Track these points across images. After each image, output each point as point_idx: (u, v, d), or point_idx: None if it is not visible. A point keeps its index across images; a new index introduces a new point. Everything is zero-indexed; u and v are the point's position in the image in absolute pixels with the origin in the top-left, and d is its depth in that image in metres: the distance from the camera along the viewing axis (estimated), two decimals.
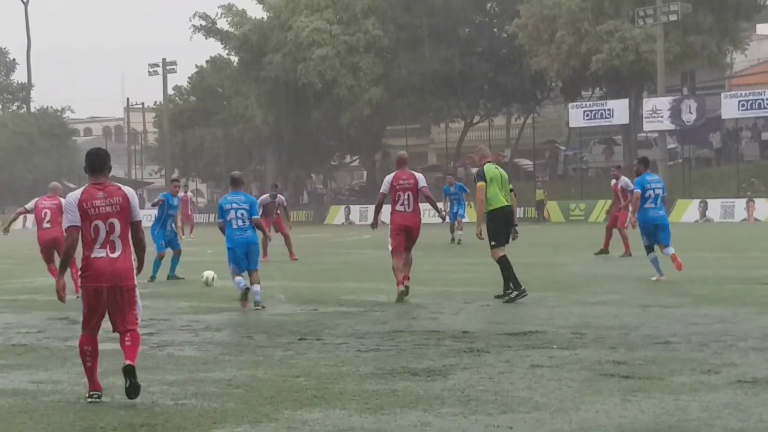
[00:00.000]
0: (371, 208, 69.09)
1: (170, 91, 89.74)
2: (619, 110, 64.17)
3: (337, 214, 71.79)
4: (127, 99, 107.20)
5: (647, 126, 63.44)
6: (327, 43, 71.02)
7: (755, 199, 54.96)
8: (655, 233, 19.34)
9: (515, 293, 16.22)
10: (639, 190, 19.38)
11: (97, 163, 9.12)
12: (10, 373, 10.56)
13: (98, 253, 8.94)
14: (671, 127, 62.63)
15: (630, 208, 21.47)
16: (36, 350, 12.07)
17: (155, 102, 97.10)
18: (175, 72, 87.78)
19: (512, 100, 75.10)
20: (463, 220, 36.27)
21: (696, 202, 56.44)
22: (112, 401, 8.92)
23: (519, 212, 61.80)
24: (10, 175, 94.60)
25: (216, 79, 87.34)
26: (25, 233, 25.57)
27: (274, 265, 26.13)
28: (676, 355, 10.67)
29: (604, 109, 64.95)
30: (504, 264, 16.47)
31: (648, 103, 62.95)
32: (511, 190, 17.04)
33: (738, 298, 16.06)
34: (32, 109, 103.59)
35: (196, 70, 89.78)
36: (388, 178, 17.47)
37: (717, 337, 11.83)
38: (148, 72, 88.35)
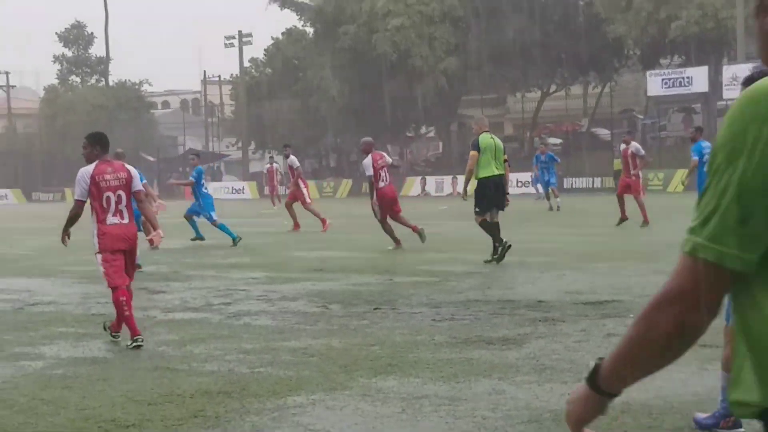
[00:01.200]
0: (447, 179, 69.23)
1: (246, 64, 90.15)
2: (698, 78, 63.34)
3: (413, 186, 71.75)
4: (204, 71, 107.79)
5: (727, 94, 62.50)
6: (402, 14, 70.85)
7: None
8: None
9: (500, 248, 17.35)
10: (697, 158, 21.98)
11: (105, 144, 10.69)
12: (90, 342, 10.72)
13: (112, 220, 10.42)
14: None
15: (639, 172, 26.17)
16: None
17: (231, 74, 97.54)
18: (251, 44, 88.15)
19: (589, 68, 74.44)
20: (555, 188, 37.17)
21: None
22: (189, 369, 9.02)
23: (597, 182, 61.69)
24: None
25: (292, 50, 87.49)
26: None
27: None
28: None
29: (683, 77, 64.16)
30: (486, 226, 17.72)
31: (728, 71, 62.02)
32: (505, 161, 18.06)
33: None
34: (110, 83, 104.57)
35: (272, 42, 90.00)
36: (369, 160, 21.09)
37: None
38: (225, 44, 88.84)
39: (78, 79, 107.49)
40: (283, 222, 32.41)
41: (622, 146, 28.21)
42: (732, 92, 61.69)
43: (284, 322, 11.64)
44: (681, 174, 56.59)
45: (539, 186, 41.18)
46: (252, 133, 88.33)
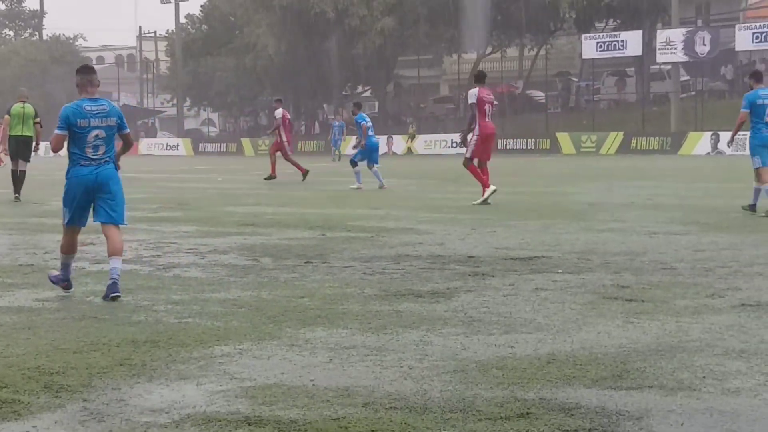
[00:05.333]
0: (382, 138, 69.06)
1: (182, 20, 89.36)
2: (632, 42, 63.79)
3: (348, 144, 71.63)
4: (140, 27, 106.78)
5: (660, 58, 63.07)
6: None
7: None
8: (371, 154, 26.66)
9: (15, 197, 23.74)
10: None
11: None
12: (16, 291, 10.61)
13: None
14: (684, 59, 62.22)
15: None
16: (43, 270, 12.08)
17: (167, 30, 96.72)
18: (188, 0, 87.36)
19: (525, 31, 74.65)
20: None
21: (708, 134, 56.23)
22: (117, 319, 8.96)
23: (531, 143, 61.92)
24: None
25: (228, 7, 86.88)
26: (37, 160, 25.62)
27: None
28: (681, 279, 10.66)
29: (618, 41, 64.59)
30: (13, 175, 24.19)
31: (661, 35, 62.53)
32: (36, 123, 24.39)
33: (747, 226, 16.05)
34: (44, 37, 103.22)
35: None
36: None
37: (723, 263, 11.82)
38: (161, 0, 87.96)
39: (11, 33, 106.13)
40: (217, 178, 32.29)
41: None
42: (664, 56, 62.25)
43: (214, 275, 11.60)
44: (613, 136, 57.24)
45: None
46: (187, 89, 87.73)
